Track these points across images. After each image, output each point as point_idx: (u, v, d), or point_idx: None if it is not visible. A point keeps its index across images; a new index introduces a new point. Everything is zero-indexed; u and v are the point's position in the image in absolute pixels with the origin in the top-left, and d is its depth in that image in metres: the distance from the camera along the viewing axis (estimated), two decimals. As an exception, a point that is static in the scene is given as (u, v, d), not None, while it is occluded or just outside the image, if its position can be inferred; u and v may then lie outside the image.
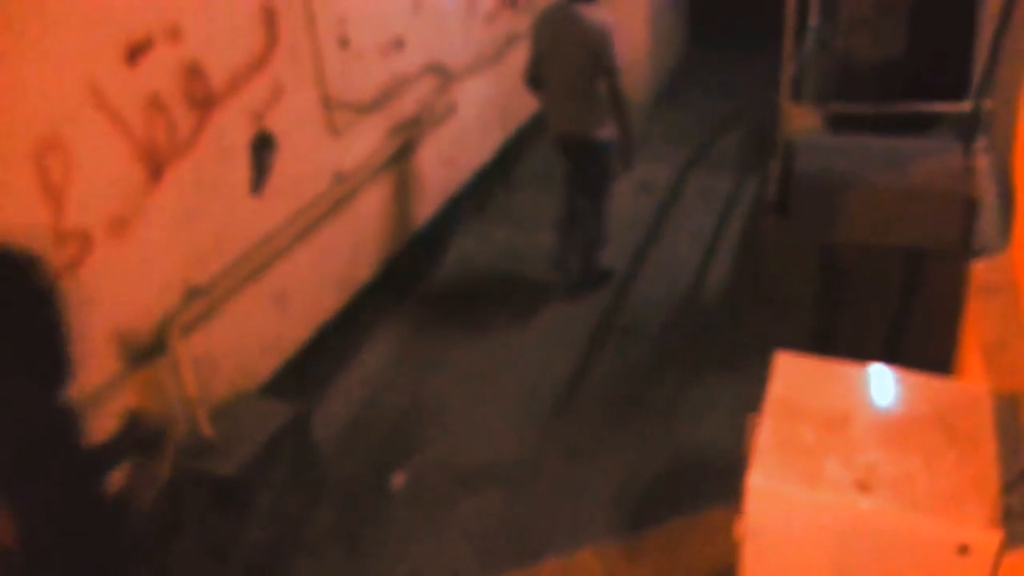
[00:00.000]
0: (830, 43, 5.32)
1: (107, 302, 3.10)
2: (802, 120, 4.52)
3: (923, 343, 3.78)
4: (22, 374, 2.32)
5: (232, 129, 3.63)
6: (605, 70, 4.64)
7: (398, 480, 3.96)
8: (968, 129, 3.99)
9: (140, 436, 2.61)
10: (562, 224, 5.27)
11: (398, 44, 4.92)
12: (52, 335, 2.37)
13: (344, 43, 4.36)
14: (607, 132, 4.82)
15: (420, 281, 5.44)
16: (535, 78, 5.00)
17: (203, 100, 3.43)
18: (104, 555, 2.51)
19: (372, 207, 4.83)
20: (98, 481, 2.52)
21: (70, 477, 2.49)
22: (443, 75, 5.50)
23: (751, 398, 2.49)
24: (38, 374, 2.40)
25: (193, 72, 3.37)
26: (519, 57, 6.73)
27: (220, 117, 3.53)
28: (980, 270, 3.10)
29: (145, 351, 3.27)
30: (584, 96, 4.76)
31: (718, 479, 3.64)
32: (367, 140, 4.69)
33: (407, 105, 5.08)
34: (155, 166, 3.23)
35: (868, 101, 4.75)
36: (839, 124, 4.68)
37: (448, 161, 5.70)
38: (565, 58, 4.74)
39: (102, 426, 3.11)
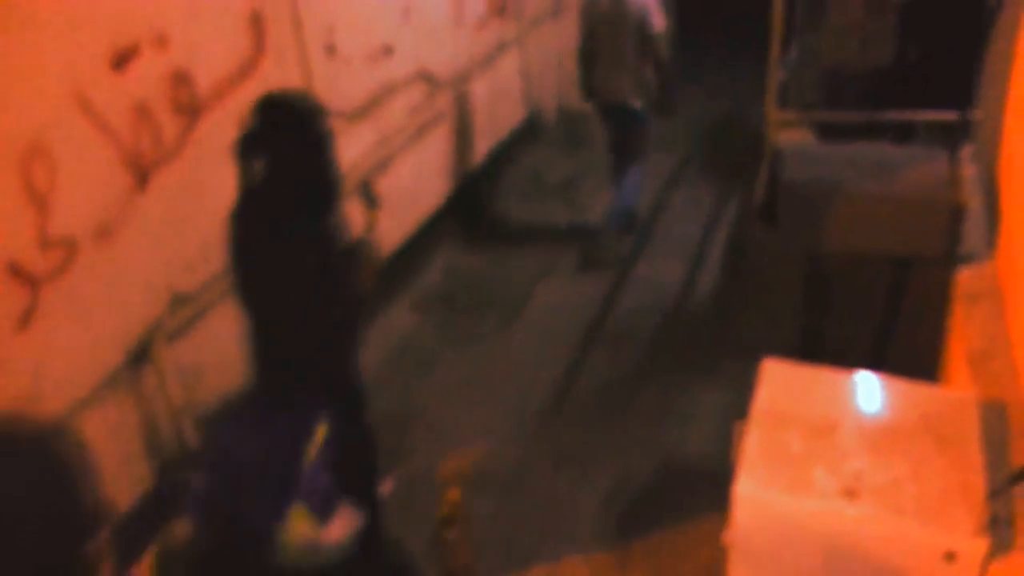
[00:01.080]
0: (818, 50, 5.34)
1: (92, 309, 3.08)
2: (789, 127, 4.54)
3: (909, 350, 3.79)
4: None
5: (219, 135, 3.61)
6: (648, 38, 5.28)
7: (386, 487, 3.94)
8: (954, 138, 4.02)
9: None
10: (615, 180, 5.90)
11: (386, 51, 4.92)
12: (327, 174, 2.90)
13: (331, 50, 4.35)
14: (642, 102, 5.52)
15: (407, 289, 5.43)
16: (589, 52, 5.53)
17: (189, 107, 3.42)
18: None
19: (359, 214, 4.81)
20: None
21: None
22: (432, 83, 5.50)
23: (739, 405, 2.50)
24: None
25: (180, 79, 3.35)
26: (509, 64, 6.77)
27: (207, 124, 3.52)
28: (965, 278, 3.11)
29: (130, 359, 3.25)
30: (630, 68, 5.40)
31: (706, 486, 3.63)
32: (355, 147, 4.68)
33: (395, 112, 5.08)
34: (141, 173, 3.22)
35: (858, 108, 4.78)
36: (827, 131, 4.71)
37: (437, 169, 5.69)
38: (615, 33, 5.34)
39: (89, 433, 3.09)
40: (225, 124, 3.64)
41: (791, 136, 4.58)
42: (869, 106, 4.79)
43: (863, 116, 4.71)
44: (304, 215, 2.86)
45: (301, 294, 2.88)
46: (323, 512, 1.68)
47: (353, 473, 2.01)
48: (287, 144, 2.86)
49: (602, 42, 5.39)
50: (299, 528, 1.64)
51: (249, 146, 2.85)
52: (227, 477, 1.72)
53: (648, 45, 5.30)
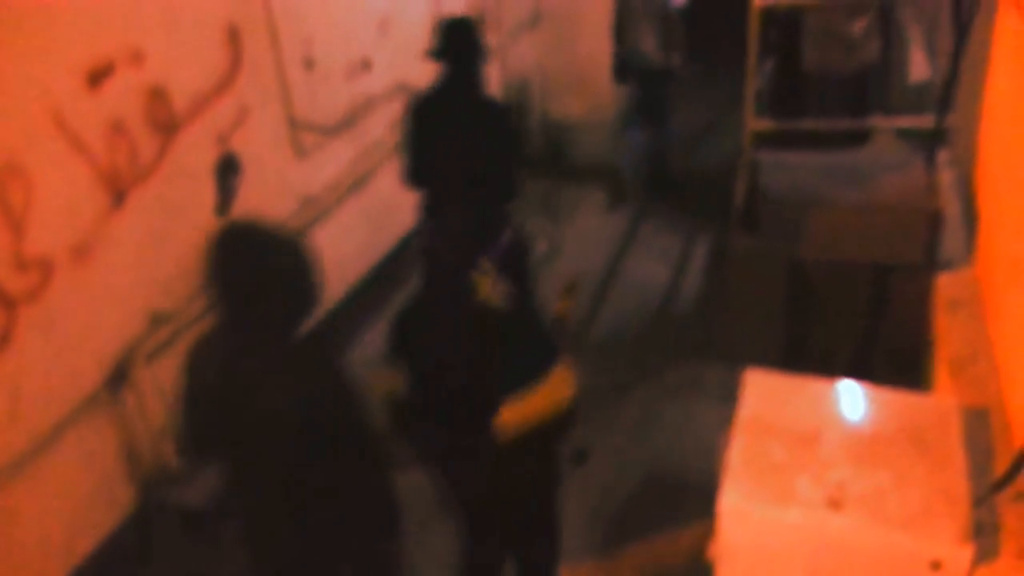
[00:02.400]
0: (800, 58, 5.37)
1: (70, 330, 3.04)
2: (767, 136, 4.56)
3: (891, 357, 3.80)
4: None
5: (196, 152, 3.60)
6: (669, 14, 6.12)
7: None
8: (931, 143, 4.04)
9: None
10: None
11: (364, 65, 4.91)
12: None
13: (310, 64, 4.34)
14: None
15: (389, 305, 5.40)
16: (621, 24, 6.35)
17: (166, 124, 3.40)
18: None
19: (340, 228, 4.80)
20: None
21: None
22: (410, 95, 5.49)
23: (724, 414, 2.49)
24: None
25: (156, 96, 3.33)
26: (489, 76, 6.75)
27: (184, 140, 3.50)
28: (946, 284, 3.12)
29: (109, 380, 3.22)
30: (658, 35, 6.16)
31: (692, 496, 3.63)
32: (335, 161, 4.67)
33: (374, 126, 5.07)
34: (118, 191, 3.19)
35: (847, 112, 4.82)
36: (807, 139, 4.75)
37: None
38: (647, 6, 6.14)
39: (65, 459, 3.05)
40: (202, 140, 3.62)
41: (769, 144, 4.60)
42: (861, 108, 4.83)
43: (839, 124, 4.73)
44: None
45: None
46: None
47: None
48: None
49: (636, 13, 6.17)
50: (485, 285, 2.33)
51: None
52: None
53: (669, 19, 6.10)
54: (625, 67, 6.53)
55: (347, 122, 4.76)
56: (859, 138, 4.93)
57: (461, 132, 4.12)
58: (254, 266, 2.29)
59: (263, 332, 2.29)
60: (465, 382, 2.51)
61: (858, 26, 5.11)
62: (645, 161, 6.73)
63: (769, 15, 4.85)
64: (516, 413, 2.43)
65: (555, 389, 2.49)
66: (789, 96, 5.35)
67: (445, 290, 2.54)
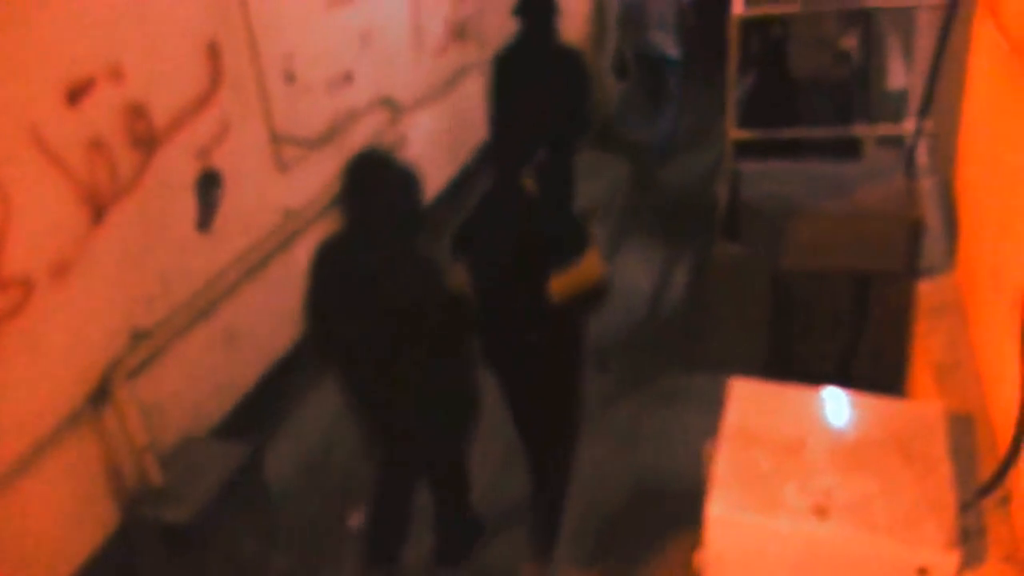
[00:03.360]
0: (782, 68, 5.41)
1: (50, 348, 3.01)
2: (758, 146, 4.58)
3: (875, 365, 3.82)
4: None
5: (177, 168, 3.58)
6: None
7: (356, 519, 3.89)
8: (910, 151, 4.07)
9: None
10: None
11: (346, 78, 4.90)
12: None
13: (291, 78, 4.33)
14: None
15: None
16: (626, 17, 6.95)
17: (146, 139, 3.38)
18: None
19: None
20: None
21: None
22: (393, 109, 5.49)
23: (710, 423, 2.49)
24: None
25: (136, 111, 3.31)
26: (470, 89, 6.78)
27: (164, 156, 3.48)
28: (927, 291, 3.14)
29: (91, 398, 3.19)
30: (668, 26, 6.76)
31: (679, 506, 3.62)
32: (317, 175, 4.65)
33: (357, 139, 5.06)
34: (98, 208, 3.17)
35: (833, 120, 4.86)
36: (801, 150, 4.80)
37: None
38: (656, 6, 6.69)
39: (46, 478, 3.02)
40: (183, 155, 3.60)
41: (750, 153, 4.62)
42: (847, 114, 4.87)
43: (818, 132, 4.76)
44: None
45: None
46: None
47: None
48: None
49: (647, 6, 6.69)
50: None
51: None
52: None
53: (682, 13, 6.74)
54: (625, 63, 7.13)
55: (329, 135, 4.75)
56: (851, 149, 4.97)
57: (540, 77, 4.68)
58: (381, 186, 2.89)
59: (384, 240, 2.89)
60: (519, 264, 3.16)
61: (843, 35, 5.15)
62: (657, 144, 7.32)
63: (758, 24, 4.89)
64: (562, 283, 3.08)
65: (589, 267, 3.14)
66: (777, 105, 5.39)
67: (503, 190, 3.29)
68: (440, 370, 3.03)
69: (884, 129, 4.46)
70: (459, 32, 6.53)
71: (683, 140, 7.56)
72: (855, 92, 5.36)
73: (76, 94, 3.04)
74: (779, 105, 5.41)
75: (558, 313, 3.15)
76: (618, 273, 5.80)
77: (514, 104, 4.70)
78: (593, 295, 3.20)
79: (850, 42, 5.25)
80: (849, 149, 4.97)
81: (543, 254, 3.13)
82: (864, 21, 5.24)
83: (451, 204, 6.41)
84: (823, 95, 5.33)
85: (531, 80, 4.75)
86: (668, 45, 6.82)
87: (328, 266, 3.01)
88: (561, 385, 3.44)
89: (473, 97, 6.94)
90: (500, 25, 7.25)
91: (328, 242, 3.05)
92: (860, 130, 4.52)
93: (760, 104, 5.47)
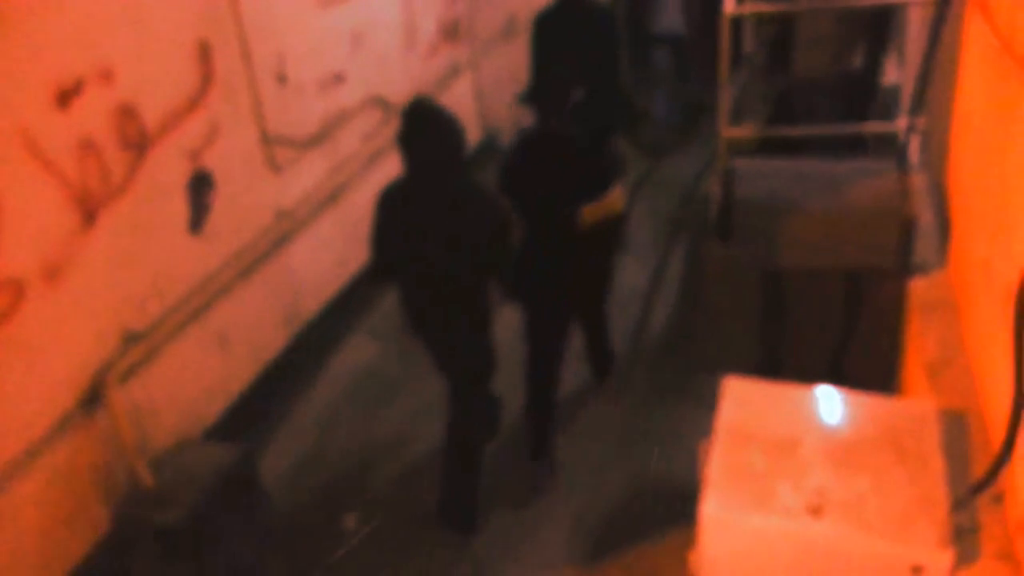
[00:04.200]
0: (767, 67, 5.41)
1: (42, 351, 3.00)
2: (742, 144, 4.58)
3: (867, 362, 3.82)
4: None
5: (168, 169, 3.57)
6: None
7: (351, 520, 3.89)
8: (902, 148, 4.07)
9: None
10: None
11: (338, 79, 4.90)
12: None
13: (282, 79, 4.32)
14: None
15: (366, 317, 5.38)
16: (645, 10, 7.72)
17: (137, 141, 3.37)
18: None
19: (317, 241, 4.78)
20: None
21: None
22: (385, 108, 5.48)
23: (705, 422, 2.49)
24: None
25: (126, 113, 3.30)
26: (462, 88, 6.77)
27: (155, 157, 3.47)
28: (919, 288, 3.14)
29: (82, 400, 3.17)
30: (680, 8, 7.57)
31: (677, 503, 3.63)
32: (309, 175, 4.65)
33: (349, 139, 5.05)
34: (89, 210, 3.16)
35: (828, 118, 4.86)
36: (788, 146, 4.80)
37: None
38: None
39: (39, 480, 3.01)
40: (174, 157, 3.59)
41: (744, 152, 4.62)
42: (842, 113, 4.87)
43: (811, 130, 4.76)
44: None
45: None
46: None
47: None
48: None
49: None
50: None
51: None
52: None
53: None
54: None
55: (321, 136, 4.74)
56: (859, 145, 4.96)
57: (575, 33, 5.09)
58: (433, 128, 3.29)
59: (439, 175, 3.33)
60: (555, 195, 3.69)
61: (844, 33, 5.16)
62: (677, 114, 8.00)
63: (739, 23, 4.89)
64: (591, 212, 3.65)
65: (614, 200, 3.71)
66: (788, 103, 5.41)
67: (543, 131, 3.77)
68: (487, 287, 3.53)
69: (876, 126, 4.46)
70: (451, 32, 6.52)
71: (682, 123, 8.00)
72: (854, 89, 5.35)
73: (66, 96, 3.03)
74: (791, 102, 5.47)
75: (586, 238, 3.71)
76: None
77: (552, 57, 5.04)
78: (616, 224, 3.82)
79: (846, 31, 5.25)
80: (857, 145, 4.98)
81: (575, 187, 3.68)
82: (865, 19, 5.23)
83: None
84: (823, 93, 5.33)
85: (567, 36, 5.14)
86: (679, 25, 7.64)
87: (391, 203, 3.49)
88: (590, 303, 4.19)
89: (466, 96, 6.94)
90: (492, 26, 7.27)
91: (391, 184, 3.50)
92: (852, 127, 4.52)
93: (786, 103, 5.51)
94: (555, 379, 4.13)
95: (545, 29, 5.28)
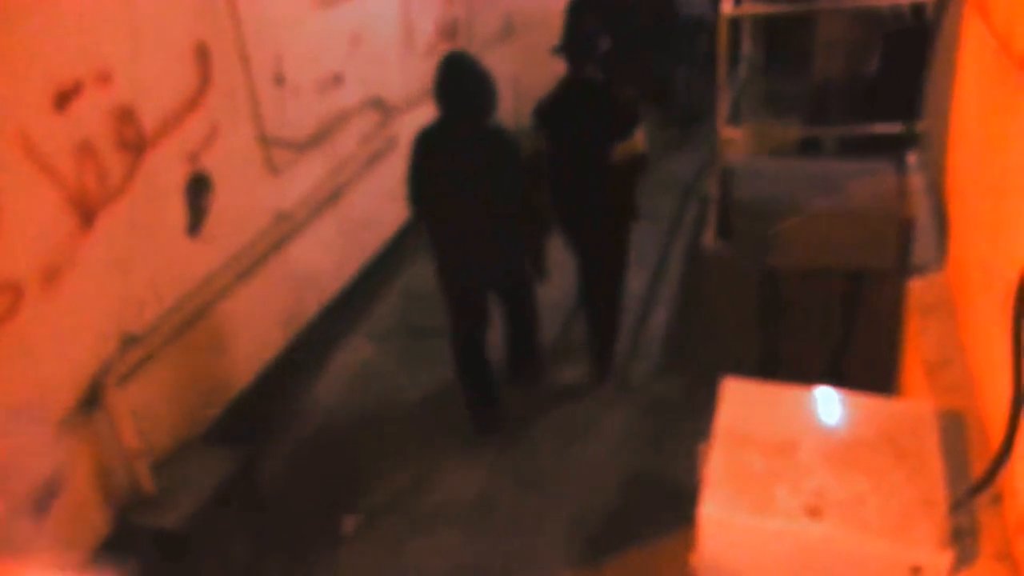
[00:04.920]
0: (762, 69, 5.41)
1: (40, 354, 3.00)
2: (739, 144, 4.58)
3: (866, 363, 3.81)
4: None
5: (166, 171, 3.57)
6: None
7: (349, 523, 3.89)
8: (902, 149, 4.07)
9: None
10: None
11: (336, 80, 4.90)
12: None
13: (280, 80, 4.32)
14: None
15: (364, 318, 5.38)
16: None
17: (135, 143, 3.37)
18: None
19: (316, 243, 4.77)
20: None
21: None
22: (384, 110, 5.48)
23: (703, 424, 2.49)
24: None
25: (124, 116, 3.30)
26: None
27: (153, 160, 3.47)
28: (918, 289, 3.14)
29: (81, 403, 3.17)
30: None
31: (673, 505, 3.63)
32: (308, 176, 4.64)
33: (348, 140, 5.05)
34: (87, 213, 3.16)
35: (839, 122, 4.87)
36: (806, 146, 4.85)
37: (392, 195, 5.66)
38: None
39: (35, 482, 3.00)
40: (172, 159, 3.59)
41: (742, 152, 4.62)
42: (852, 118, 4.86)
43: (810, 131, 4.76)
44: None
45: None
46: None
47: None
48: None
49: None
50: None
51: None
52: None
53: None
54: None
55: (319, 137, 4.74)
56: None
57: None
58: (466, 78, 3.84)
59: (470, 119, 3.88)
60: (584, 136, 4.22)
61: (861, 36, 5.15)
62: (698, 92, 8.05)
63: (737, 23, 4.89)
64: (621, 150, 4.14)
65: (637, 142, 4.18)
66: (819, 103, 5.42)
67: (574, 78, 4.25)
68: (514, 216, 4.05)
69: (877, 127, 4.46)
70: (450, 33, 6.52)
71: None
72: (869, 92, 5.34)
73: (64, 99, 3.03)
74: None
75: (614, 172, 4.23)
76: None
77: (583, 16, 5.32)
78: (640, 162, 4.28)
79: (863, 34, 5.24)
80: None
81: (603, 127, 4.18)
82: (878, 21, 5.22)
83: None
84: (839, 94, 5.33)
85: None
86: (707, 8, 7.71)
87: (427, 144, 4.00)
88: (615, 228, 4.54)
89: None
90: (490, 27, 7.27)
91: (426, 128, 4.04)
92: (853, 129, 4.52)
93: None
94: (610, 298, 4.69)
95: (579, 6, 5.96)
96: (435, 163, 3.98)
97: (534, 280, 4.38)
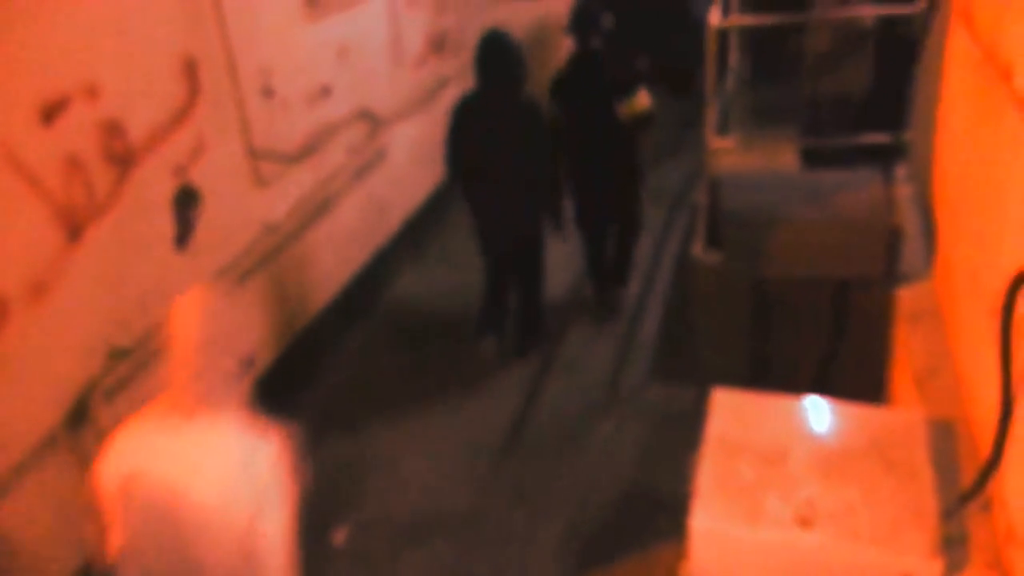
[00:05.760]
0: (749, 80, 5.43)
1: (26, 369, 2.98)
2: (728, 155, 4.60)
3: (855, 372, 3.82)
4: None
5: (154, 185, 3.55)
6: None
7: (340, 536, 3.87)
8: (889, 160, 4.09)
9: None
10: None
11: (324, 92, 4.89)
12: None
13: (268, 93, 4.32)
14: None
15: (357, 328, 5.37)
16: None
17: (123, 157, 3.36)
18: None
19: (305, 255, 4.76)
20: None
21: None
22: (372, 121, 5.48)
23: (692, 434, 2.49)
24: None
25: (112, 129, 3.29)
26: (450, 100, 6.78)
27: (141, 173, 3.45)
28: (906, 297, 3.15)
29: (68, 418, 3.15)
30: None
31: (664, 516, 3.62)
32: (296, 189, 4.64)
33: (336, 153, 5.05)
34: (74, 227, 3.14)
35: (830, 135, 4.89)
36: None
37: (380, 207, 5.66)
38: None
39: (26, 500, 2.98)
40: (160, 172, 3.58)
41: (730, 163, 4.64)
42: (841, 131, 4.89)
43: (802, 141, 4.77)
44: None
45: None
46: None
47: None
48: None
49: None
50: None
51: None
52: None
53: None
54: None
55: (308, 150, 4.74)
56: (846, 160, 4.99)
57: None
58: (501, 54, 4.44)
59: (503, 90, 4.48)
60: (594, 101, 4.77)
61: (852, 49, 5.17)
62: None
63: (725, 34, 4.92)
64: (625, 108, 4.67)
65: (641, 100, 4.69)
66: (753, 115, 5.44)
67: (582, 52, 4.84)
68: (537, 175, 4.66)
69: (864, 138, 4.48)
70: (438, 45, 6.53)
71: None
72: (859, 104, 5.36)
73: (51, 113, 3.02)
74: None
75: (622, 129, 4.78)
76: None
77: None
78: (644, 118, 4.74)
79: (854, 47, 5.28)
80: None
81: (610, 93, 4.70)
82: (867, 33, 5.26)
83: (433, 216, 6.41)
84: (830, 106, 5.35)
85: None
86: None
87: (465, 113, 4.58)
88: (625, 183, 5.11)
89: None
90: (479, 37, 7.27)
91: (463, 98, 4.61)
92: (840, 140, 4.54)
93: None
94: (622, 247, 5.36)
95: None
96: (472, 130, 4.55)
97: (552, 233, 4.96)
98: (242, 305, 2.40)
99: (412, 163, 6.11)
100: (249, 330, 2.37)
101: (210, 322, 2.23)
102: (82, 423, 3.20)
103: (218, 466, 2.17)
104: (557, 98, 4.89)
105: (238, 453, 2.23)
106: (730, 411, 2.46)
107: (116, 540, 2.20)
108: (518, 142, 4.47)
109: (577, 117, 4.85)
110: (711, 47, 4.17)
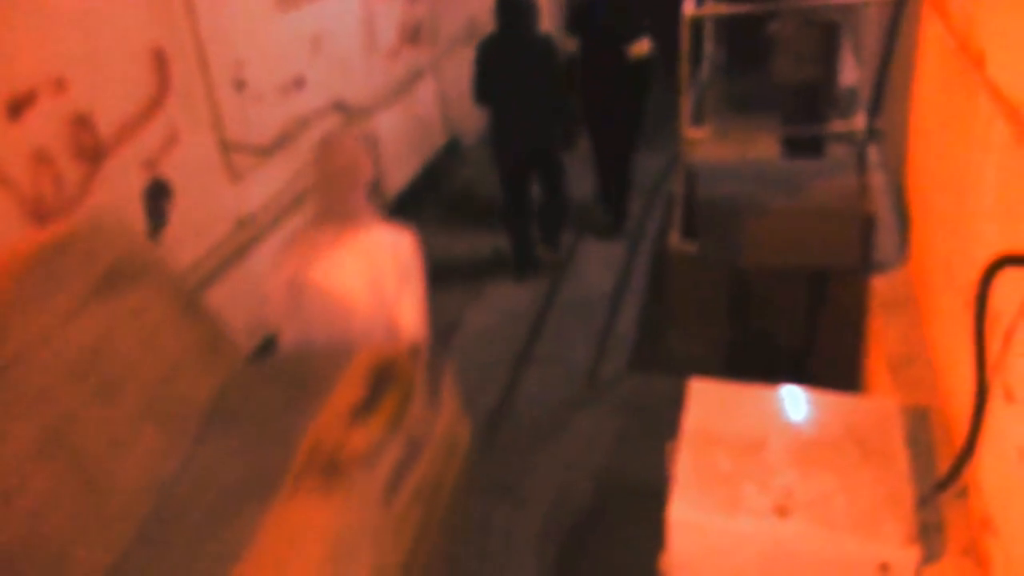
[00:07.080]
0: (724, 69, 5.47)
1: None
2: (703, 144, 4.61)
3: (831, 360, 3.84)
4: None
5: (124, 178, 3.51)
6: None
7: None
8: (862, 147, 4.11)
9: None
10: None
11: (298, 83, 4.85)
12: None
13: (240, 85, 4.27)
14: None
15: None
16: None
17: (92, 151, 3.31)
18: None
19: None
20: None
21: None
22: (347, 112, 5.45)
23: (669, 424, 2.49)
24: None
25: (80, 123, 3.24)
26: (425, 91, 6.75)
27: (111, 167, 3.41)
28: (881, 286, 3.17)
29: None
30: None
31: (644, 507, 3.62)
32: (270, 182, 4.60)
33: (310, 145, 5.00)
34: (43, 222, 3.09)
35: (790, 121, 4.92)
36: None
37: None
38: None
39: None
40: (130, 166, 3.53)
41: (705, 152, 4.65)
42: (801, 117, 4.93)
43: (775, 130, 4.80)
44: None
45: None
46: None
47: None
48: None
49: None
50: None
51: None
52: None
53: None
54: None
55: (282, 142, 4.70)
56: (816, 147, 5.02)
57: None
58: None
59: (521, 29, 5.22)
60: (605, 40, 5.63)
61: (814, 38, 5.22)
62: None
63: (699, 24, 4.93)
64: (634, 49, 5.53)
65: (644, 45, 5.55)
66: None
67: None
68: (555, 100, 5.40)
69: (836, 126, 4.51)
70: (412, 35, 6.50)
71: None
72: (819, 93, 5.41)
73: (17, 108, 2.97)
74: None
75: (629, 68, 5.64)
76: (576, 275, 5.81)
77: None
78: (647, 60, 5.63)
79: (815, 36, 5.34)
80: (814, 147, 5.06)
81: (619, 34, 5.56)
82: (831, 24, 5.30)
83: (412, 203, 6.38)
84: (790, 96, 5.40)
85: None
86: None
87: (488, 50, 5.32)
88: (633, 105, 5.93)
89: (429, 99, 6.91)
90: (453, 28, 7.25)
91: (486, 38, 5.36)
92: (811, 128, 4.57)
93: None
94: (624, 159, 6.12)
95: None
96: (495, 64, 5.29)
97: (565, 146, 5.69)
98: (364, 142, 3.14)
99: (387, 156, 6.07)
100: (372, 161, 3.03)
101: (346, 156, 2.92)
102: (54, 421, 3.15)
103: (371, 254, 2.90)
104: (574, 32, 5.76)
105: (388, 242, 2.94)
106: (707, 401, 2.47)
107: (287, 321, 3.03)
108: (534, 72, 5.24)
109: (591, 50, 5.68)
110: (685, 36, 4.16)
